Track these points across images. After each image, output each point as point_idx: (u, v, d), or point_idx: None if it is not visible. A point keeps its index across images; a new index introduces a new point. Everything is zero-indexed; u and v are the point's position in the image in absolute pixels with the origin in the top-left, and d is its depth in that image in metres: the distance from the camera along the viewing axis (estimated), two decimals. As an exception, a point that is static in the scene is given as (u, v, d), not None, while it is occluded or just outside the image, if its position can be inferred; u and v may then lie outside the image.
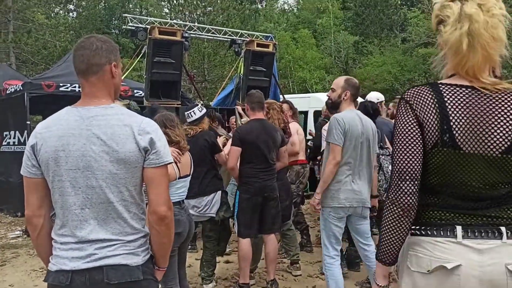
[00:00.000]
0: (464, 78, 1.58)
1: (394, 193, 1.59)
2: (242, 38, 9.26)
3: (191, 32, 8.83)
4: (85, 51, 1.87)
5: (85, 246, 1.80)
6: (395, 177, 1.60)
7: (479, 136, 1.52)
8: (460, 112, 1.54)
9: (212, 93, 24.07)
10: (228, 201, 4.57)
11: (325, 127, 4.93)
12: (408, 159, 1.58)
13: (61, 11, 31.23)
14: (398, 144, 1.61)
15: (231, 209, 4.53)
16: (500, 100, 1.55)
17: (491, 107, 1.54)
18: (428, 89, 1.60)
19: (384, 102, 5.92)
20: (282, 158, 4.60)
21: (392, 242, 1.59)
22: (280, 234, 5.19)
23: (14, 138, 9.16)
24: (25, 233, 7.18)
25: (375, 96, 5.80)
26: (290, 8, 43.74)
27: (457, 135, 1.53)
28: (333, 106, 3.92)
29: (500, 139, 1.52)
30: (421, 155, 1.57)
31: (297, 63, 29.60)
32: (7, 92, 9.17)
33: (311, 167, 6.20)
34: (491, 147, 1.52)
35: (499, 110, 1.54)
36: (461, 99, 1.55)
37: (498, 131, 1.52)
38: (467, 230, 1.51)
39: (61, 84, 8.76)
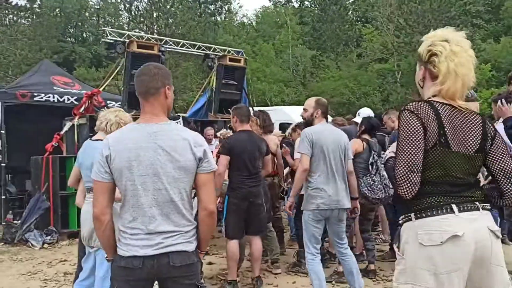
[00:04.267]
0: (444, 99, 2.13)
1: (403, 183, 2.02)
2: (215, 53, 9.68)
3: (167, 46, 9.17)
4: (145, 77, 2.30)
5: (153, 237, 2.23)
6: (404, 169, 2.01)
7: (461, 139, 2.08)
8: (449, 121, 2.07)
9: (174, 104, 24.27)
10: None
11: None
12: (416, 155, 2.01)
13: (15, 18, 30.53)
14: (407, 142, 2.02)
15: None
16: (469, 116, 2.14)
17: (466, 120, 2.12)
18: (426, 104, 2.09)
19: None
20: (266, 166, 5.10)
21: None
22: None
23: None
24: (2, 240, 7.25)
25: (368, 113, 6.47)
26: (249, 22, 44.60)
27: (449, 137, 2.04)
28: (307, 124, 4.48)
29: (473, 142, 2.09)
30: (423, 152, 2.03)
31: (255, 75, 30.26)
32: (-22, 101, 9.14)
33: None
34: (468, 147, 2.09)
35: (470, 123, 2.12)
36: (448, 112, 2.08)
37: (472, 136, 2.10)
38: (459, 207, 2.03)
39: (35, 94, 8.88)
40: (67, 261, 6.08)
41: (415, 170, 2.03)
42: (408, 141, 2.05)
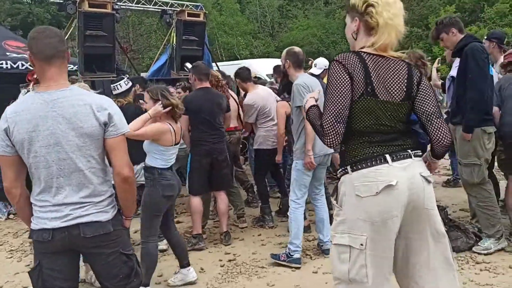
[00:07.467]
0: (374, 50, 2.15)
1: (329, 133, 2.05)
2: (173, 8, 9.36)
3: (121, 3, 8.82)
4: (51, 40, 2.16)
5: (62, 208, 2.18)
6: (331, 119, 2.05)
7: (387, 88, 2.12)
8: (376, 71, 2.11)
9: (139, 63, 23.66)
10: None
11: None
12: (344, 105, 2.05)
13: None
14: (335, 92, 2.05)
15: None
16: (396, 64, 2.17)
17: (392, 68, 2.15)
18: (353, 54, 2.12)
19: None
20: (225, 121, 5.13)
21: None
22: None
23: None
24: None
25: (323, 63, 6.17)
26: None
27: (376, 87, 2.09)
28: (285, 75, 4.50)
29: (400, 90, 2.14)
30: (349, 102, 2.07)
31: (222, 28, 29.64)
32: None
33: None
34: (395, 95, 2.13)
35: (396, 70, 2.15)
36: (375, 62, 2.13)
37: (397, 84, 2.14)
38: (393, 156, 2.09)
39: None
40: (34, 230, 6.03)
41: (341, 120, 2.07)
42: (335, 92, 2.07)
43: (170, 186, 3.69)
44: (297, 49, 4.40)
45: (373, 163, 2.07)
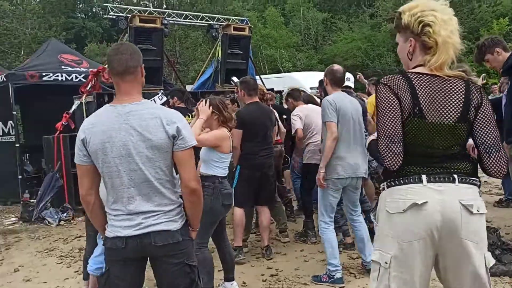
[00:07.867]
0: (429, 69, 2.06)
1: (386, 155, 1.99)
2: (219, 23, 9.57)
3: (170, 18, 9.10)
4: (122, 56, 2.27)
5: (134, 217, 2.27)
6: (386, 141, 1.99)
7: (438, 109, 2.02)
8: (424, 92, 2.02)
9: (184, 75, 24.18)
10: None
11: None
12: (395, 125, 1.99)
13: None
14: (385, 114, 2.01)
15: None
16: (451, 83, 2.06)
17: (446, 88, 2.05)
18: (400, 76, 2.06)
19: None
20: (273, 135, 5.21)
21: None
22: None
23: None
24: (20, 219, 7.46)
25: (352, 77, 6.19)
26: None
27: (424, 108, 2.00)
28: (325, 92, 4.50)
29: (453, 111, 2.03)
30: (401, 122, 2.01)
31: (265, 41, 29.89)
32: (-12, 83, 9.24)
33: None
34: (447, 117, 2.02)
35: (451, 91, 2.04)
36: (425, 83, 2.04)
37: (451, 105, 2.03)
38: (430, 177, 2.00)
39: (43, 74, 8.94)
40: (83, 237, 6.23)
41: (396, 140, 2.00)
42: (385, 114, 2.03)
43: (229, 195, 3.75)
44: (336, 67, 4.37)
45: (407, 181, 2.01)
